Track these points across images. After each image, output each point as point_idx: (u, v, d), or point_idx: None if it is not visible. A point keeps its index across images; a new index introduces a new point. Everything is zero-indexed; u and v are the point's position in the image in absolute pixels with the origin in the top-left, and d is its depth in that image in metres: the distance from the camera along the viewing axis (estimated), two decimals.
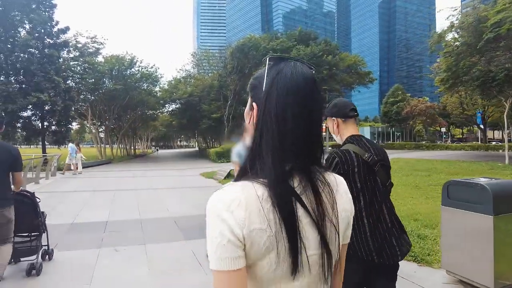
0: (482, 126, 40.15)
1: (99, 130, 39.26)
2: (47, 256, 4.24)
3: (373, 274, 1.77)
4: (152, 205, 8.36)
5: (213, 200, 0.70)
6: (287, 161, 0.70)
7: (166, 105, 45.68)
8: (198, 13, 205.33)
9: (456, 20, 17.80)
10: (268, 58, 0.78)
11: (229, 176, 13.65)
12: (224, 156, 28.30)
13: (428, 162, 17.55)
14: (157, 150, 72.91)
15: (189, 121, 43.58)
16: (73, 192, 10.55)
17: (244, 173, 0.74)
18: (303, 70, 0.76)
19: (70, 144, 18.11)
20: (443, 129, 54.44)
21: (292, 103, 0.71)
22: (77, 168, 17.41)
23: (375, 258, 1.70)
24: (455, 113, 32.82)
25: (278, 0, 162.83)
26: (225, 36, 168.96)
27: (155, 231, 5.83)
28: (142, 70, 35.24)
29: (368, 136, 60.16)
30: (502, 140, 53.16)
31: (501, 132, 59.99)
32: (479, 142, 40.20)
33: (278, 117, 0.71)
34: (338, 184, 0.81)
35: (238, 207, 0.66)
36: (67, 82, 27.23)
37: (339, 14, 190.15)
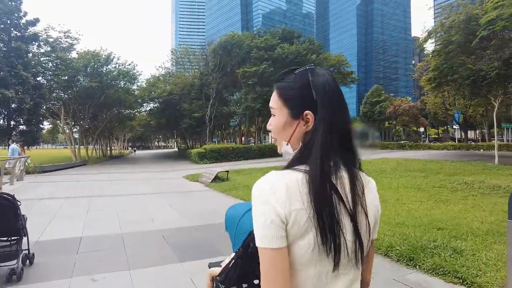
0: (457, 126, 40.89)
1: (73, 130, 37.17)
2: (27, 261, 4.09)
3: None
4: (134, 214, 7.30)
5: (257, 185, 0.80)
6: (332, 158, 0.82)
7: (144, 104, 44.09)
8: (176, 11, 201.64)
9: (445, 19, 17.56)
10: (309, 69, 0.88)
11: (216, 179, 12.71)
12: (206, 157, 27.28)
13: (418, 162, 17.20)
14: (135, 150, 70.62)
15: (168, 120, 42.20)
16: (41, 201, 9.28)
17: (293, 164, 0.84)
18: (331, 76, 0.89)
19: (12, 145, 14.74)
20: (422, 129, 55.36)
21: (339, 105, 0.86)
22: (19, 174, 14.03)
23: None
24: (438, 112, 33.23)
25: (258, 0, 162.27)
26: (204, 35, 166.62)
27: (140, 250, 4.83)
28: (119, 67, 33.57)
29: None
30: (475, 140, 54.66)
31: (474, 132, 61.80)
32: (456, 142, 40.87)
33: (333, 118, 0.83)
34: (369, 182, 0.92)
35: (279, 189, 0.76)
36: (37, 79, 25.40)
37: (318, 15, 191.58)
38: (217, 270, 2.25)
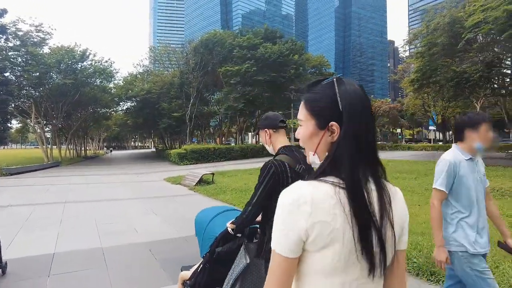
0: (433, 128, 41.86)
1: (45, 130, 35.29)
2: (0, 270, 3.84)
3: None
4: (115, 223, 6.58)
5: (284, 195, 0.82)
6: (362, 166, 0.83)
7: (121, 103, 42.62)
8: (155, 8, 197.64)
9: (429, 21, 17.64)
10: (335, 80, 0.88)
11: (201, 181, 12.05)
12: (187, 158, 26.44)
13: (404, 163, 17.16)
14: (111, 151, 68.30)
15: (146, 120, 40.91)
16: (6, 208, 8.35)
17: (320, 175, 0.84)
18: (358, 84, 0.89)
19: None
20: (399, 130, 56.41)
21: (366, 116, 0.86)
22: None
23: None
24: (417, 114, 33.90)
25: (238, 0, 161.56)
26: (183, 34, 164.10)
27: (125, 269, 4.17)
28: (96, 64, 32.14)
29: None
30: (449, 141, 56.23)
31: (447, 133, 63.64)
32: (431, 143, 41.81)
33: (359, 130, 0.83)
34: (396, 192, 0.91)
35: (304, 203, 0.78)
36: (5, 74, 23.78)
37: (297, 17, 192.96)
38: (188, 274, 2.27)
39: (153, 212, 7.68)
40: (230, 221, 2.09)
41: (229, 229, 2.08)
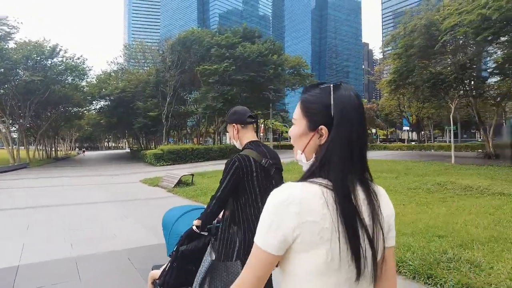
0: (407, 128, 43.07)
1: (11, 130, 33.42)
2: None
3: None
4: (89, 230, 6.10)
5: (274, 195, 0.84)
6: (350, 170, 0.85)
7: (94, 102, 41.09)
8: (130, 6, 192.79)
9: (406, 24, 17.96)
10: (332, 86, 0.91)
11: (180, 183, 11.61)
12: (163, 159, 25.75)
13: (382, 162, 17.35)
14: (84, 151, 65.84)
15: (120, 119, 39.66)
16: None
17: (308, 176, 0.87)
18: (354, 92, 0.91)
19: None
20: (374, 130, 57.62)
21: (358, 123, 0.87)
22: None
23: None
24: (393, 114, 34.71)
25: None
26: (159, 32, 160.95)
27: (101, 280, 3.77)
28: (67, 61, 30.72)
29: None
30: (421, 141, 58.05)
31: (418, 134, 65.69)
32: (405, 143, 42.91)
33: (349, 136, 0.85)
34: (381, 192, 0.93)
35: (292, 203, 0.80)
36: None
37: (274, 17, 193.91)
38: (157, 273, 2.26)
39: (130, 216, 7.24)
40: (197, 219, 2.08)
41: (194, 227, 2.06)
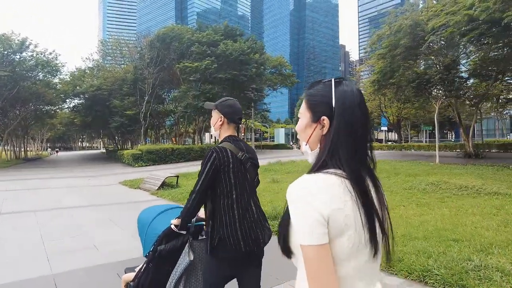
0: (385, 128, 43.74)
1: None
2: None
3: (240, 263, 1.91)
4: (68, 240, 5.39)
5: (297, 189, 0.87)
6: (359, 160, 0.91)
7: (68, 100, 39.14)
8: (105, 2, 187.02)
9: (391, 24, 17.98)
10: (334, 80, 0.97)
11: (164, 185, 10.93)
12: (142, 159, 24.74)
13: None
14: (57, 152, 62.96)
15: (95, 118, 37.99)
16: None
17: (318, 169, 0.92)
18: (357, 87, 0.97)
19: None
20: None
21: (359, 114, 0.92)
22: None
23: (242, 247, 1.84)
24: (374, 114, 35.07)
25: None
26: (135, 30, 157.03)
27: None
28: (38, 56, 29.01)
29: (283, 137, 61.73)
30: (397, 141, 59.30)
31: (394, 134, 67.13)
32: (382, 143, 43.63)
33: (351, 126, 0.91)
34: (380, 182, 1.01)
35: (320, 191, 0.84)
36: None
37: (253, 18, 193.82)
38: (131, 276, 2.21)
39: (113, 223, 6.56)
40: (175, 218, 2.04)
41: (173, 226, 2.03)
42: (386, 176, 11.91)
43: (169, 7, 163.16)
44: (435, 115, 17.03)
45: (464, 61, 18.14)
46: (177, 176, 11.43)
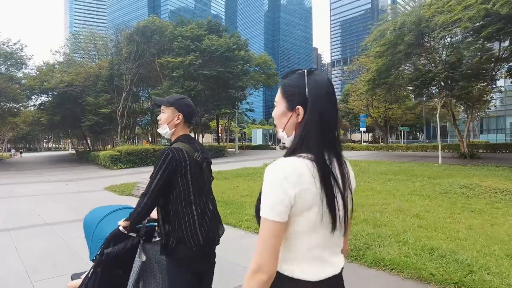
0: (364, 129, 43.86)
1: None
2: None
3: (201, 262, 1.90)
4: (58, 270, 3.83)
5: (271, 169, 0.98)
6: (325, 145, 1.02)
7: (34, 97, 35.92)
8: None
9: (388, 20, 17.30)
10: (306, 71, 1.07)
11: None
12: (121, 161, 22.73)
13: (373, 163, 16.35)
14: (20, 153, 58.30)
15: (65, 117, 35.05)
16: None
17: (291, 153, 1.03)
18: (327, 78, 1.08)
19: None
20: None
21: (329, 104, 1.03)
22: None
23: (203, 246, 1.84)
24: (360, 114, 34.85)
25: None
26: (105, 27, 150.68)
27: None
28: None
29: (260, 137, 60.57)
30: (375, 142, 59.96)
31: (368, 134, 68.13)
32: (361, 144, 43.58)
33: (321, 114, 1.01)
34: (348, 164, 1.12)
35: (290, 174, 0.95)
36: None
37: (227, 18, 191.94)
38: (78, 282, 2.11)
39: None
40: (123, 219, 1.95)
41: (121, 228, 1.94)
42: (406, 178, 10.98)
43: (141, 4, 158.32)
44: (437, 114, 16.48)
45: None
46: None
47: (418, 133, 71.10)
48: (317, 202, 0.97)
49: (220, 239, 2.01)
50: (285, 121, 1.07)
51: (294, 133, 1.05)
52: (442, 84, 15.81)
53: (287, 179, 0.93)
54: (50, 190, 11.95)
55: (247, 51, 31.97)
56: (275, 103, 1.11)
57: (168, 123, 1.97)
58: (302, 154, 0.99)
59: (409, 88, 18.59)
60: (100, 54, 34.72)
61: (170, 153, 1.81)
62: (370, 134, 67.56)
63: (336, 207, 1.00)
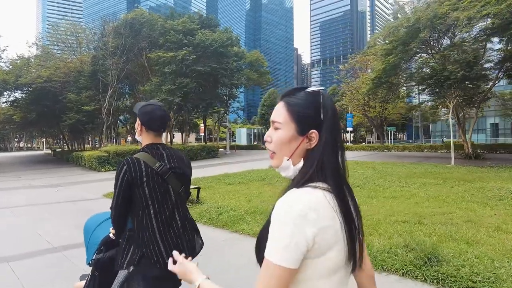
0: (350, 129, 43.69)
1: None
2: None
3: (162, 280, 1.78)
4: None
5: (285, 203, 0.83)
6: (340, 173, 0.91)
7: (6, 93, 33.17)
8: None
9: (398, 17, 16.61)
10: (321, 91, 0.94)
11: None
12: (110, 163, 21.04)
13: (386, 165, 15.55)
14: None
15: (42, 115, 32.55)
16: None
17: (308, 181, 0.88)
18: (332, 99, 0.96)
19: None
20: None
21: (340, 127, 0.95)
22: None
23: (166, 262, 1.71)
24: (357, 114, 34.38)
25: None
26: (82, 23, 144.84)
27: None
28: None
29: (245, 137, 59.30)
30: (360, 141, 60.18)
31: (353, 134, 68.53)
32: (350, 144, 43.36)
33: (336, 139, 0.91)
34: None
35: (309, 210, 0.80)
36: None
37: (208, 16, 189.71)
38: (82, 284, 2.12)
39: None
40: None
41: (111, 235, 1.95)
42: (439, 182, 10.13)
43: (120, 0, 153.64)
44: (450, 114, 15.90)
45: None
46: (198, 188, 8.44)
47: (397, 133, 72.16)
48: (339, 240, 0.84)
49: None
50: (294, 147, 0.92)
51: (303, 161, 0.92)
52: (456, 83, 15.19)
53: (307, 217, 0.79)
54: (38, 198, 10.28)
55: (240, 47, 30.76)
56: (278, 125, 0.93)
57: (137, 131, 1.93)
58: (318, 185, 0.86)
59: (409, 87, 17.89)
60: (82, 47, 32.49)
61: (125, 165, 1.74)
62: (352, 134, 68.09)
63: (357, 242, 0.89)
